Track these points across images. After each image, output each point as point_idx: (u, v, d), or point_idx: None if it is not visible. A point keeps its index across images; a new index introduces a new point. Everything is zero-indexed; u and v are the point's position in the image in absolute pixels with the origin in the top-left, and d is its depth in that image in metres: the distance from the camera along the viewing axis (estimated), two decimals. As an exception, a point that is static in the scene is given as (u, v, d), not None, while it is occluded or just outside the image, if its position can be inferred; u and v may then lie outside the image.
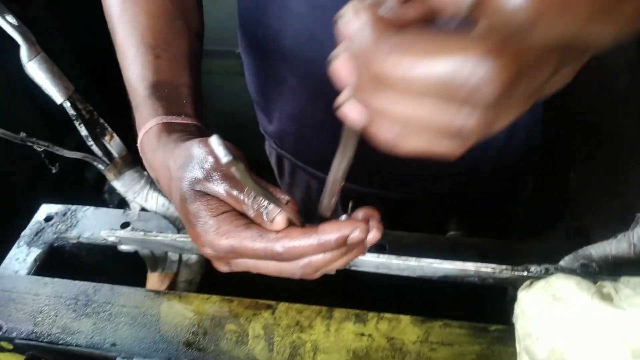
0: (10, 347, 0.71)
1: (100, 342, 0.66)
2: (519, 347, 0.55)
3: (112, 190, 2.15)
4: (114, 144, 0.75)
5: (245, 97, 2.26)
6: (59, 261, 0.89)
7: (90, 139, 0.72)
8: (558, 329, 0.52)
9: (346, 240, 0.48)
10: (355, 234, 0.47)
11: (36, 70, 0.66)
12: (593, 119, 2.29)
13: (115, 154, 0.75)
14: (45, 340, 0.68)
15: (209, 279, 0.79)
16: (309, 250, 0.48)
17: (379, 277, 0.73)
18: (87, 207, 0.96)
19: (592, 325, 0.50)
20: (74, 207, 0.96)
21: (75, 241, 0.90)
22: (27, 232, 0.93)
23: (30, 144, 0.68)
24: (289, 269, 0.51)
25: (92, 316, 0.69)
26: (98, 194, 2.00)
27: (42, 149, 0.69)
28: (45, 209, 0.96)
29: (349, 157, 0.45)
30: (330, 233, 0.48)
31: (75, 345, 0.66)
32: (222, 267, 0.55)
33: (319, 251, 0.49)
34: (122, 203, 0.91)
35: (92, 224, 0.91)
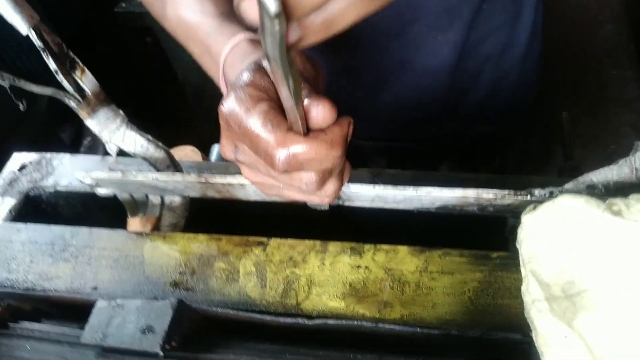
0: (-15, 297, 0.67)
1: (80, 287, 0.62)
2: (524, 270, 0.52)
3: (91, 146, 2.08)
4: (85, 80, 0.69)
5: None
6: (36, 211, 0.84)
7: (59, 74, 0.67)
8: (566, 248, 0.49)
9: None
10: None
11: (-4, -4, 0.60)
12: (578, 71, 2.27)
13: (87, 90, 0.70)
14: (21, 287, 0.63)
15: (194, 222, 0.75)
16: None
17: (374, 213, 0.70)
18: (63, 154, 0.91)
19: (603, 242, 0.47)
20: (49, 155, 0.91)
21: (52, 190, 0.85)
22: (-1, 183, 0.87)
23: (-7, 75, 0.62)
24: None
25: (70, 261, 0.65)
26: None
27: (6, 82, 0.64)
28: (18, 158, 0.91)
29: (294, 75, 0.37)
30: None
31: (54, 291, 0.63)
32: (228, 150, 0.47)
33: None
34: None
35: (69, 172, 0.86)
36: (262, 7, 0.27)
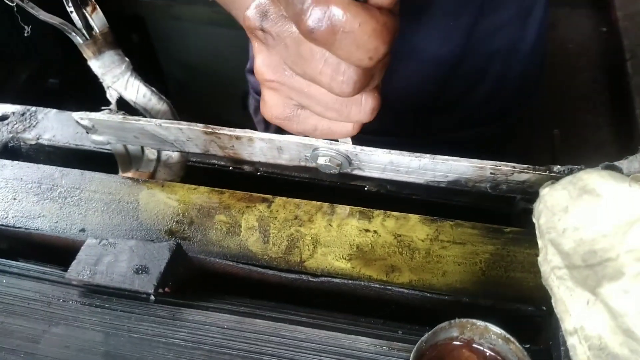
0: (-45, 235, 0.62)
1: (66, 228, 0.58)
2: (541, 242, 0.51)
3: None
4: (95, 17, 0.66)
5: (216, 50, 2.17)
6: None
7: (70, 4, 0.63)
8: (587, 219, 0.48)
9: None
10: None
11: None
12: (557, 110, 2.34)
13: (96, 28, 0.66)
14: (1, 223, 0.59)
15: (189, 182, 0.71)
16: None
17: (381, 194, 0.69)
18: (49, 109, 0.86)
19: (627, 211, 0.47)
20: (33, 108, 0.86)
21: (33, 142, 0.80)
22: (-23, 129, 0.82)
23: (0, -8, 0.58)
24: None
25: (57, 201, 0.60)
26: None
27: (14, 4, 0.60)
28: (1, 108, 0.86)
29: None
30: None
31: (36, 230, 0.58)
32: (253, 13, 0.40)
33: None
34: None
35: (54, 126, 0.82)
36: None
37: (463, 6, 0.76)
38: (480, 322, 0.43)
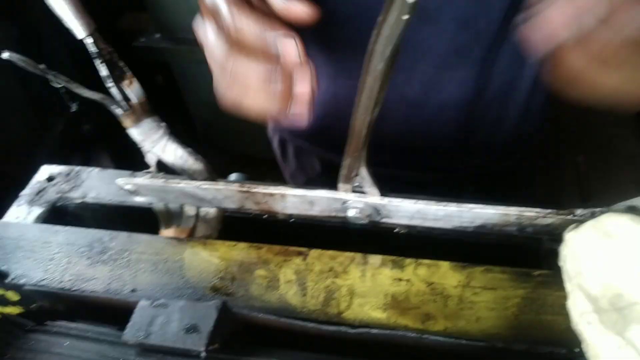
0: (16, 297, 0.66)
1: (118, 289, 0.62)
2: (569, 285, 0.53)
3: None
4: (133, 89, 0.71)
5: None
6: (62, 221, 0.84)
7: (110, 81, 0.69)
8: (612, 263, 0.50)
9: None
10: None
11: (60, 2, 0.63)
12: (585, 126, 2.34)
13: (134, 99, 0.72)
14: (57, 287, 0.63)
15: (227, 235, 0.75)
16: None
17: (408, 237, 0.71)
18: (91, 168, 0.92)
19: (651, 256, 0.48)
20: (77, 167, 0.92)
21: (79, 201, 0.85)
22: (27, 192, 0.88)
23: (50, 77, 0.64)
24: None
25: (108, 263, 0.65)
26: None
27: (62, 85, 0.65)
28: (47, 170, 0.92)
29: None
30: None
31: (91, 292, 0.62)
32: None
33: None
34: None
35: (98, 185, 0.87)
36: None
37: (458, 62, 0.77)
38: None
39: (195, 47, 2.14)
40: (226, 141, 2.41)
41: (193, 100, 2.32)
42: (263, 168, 2.41)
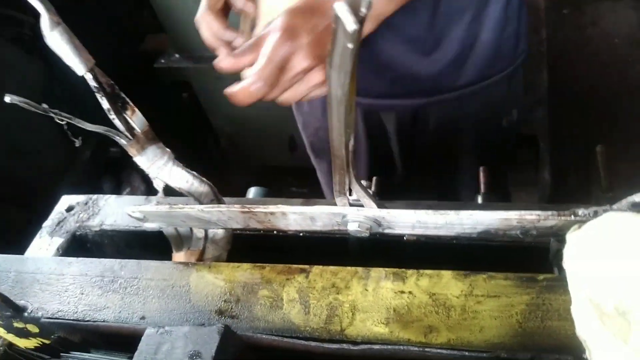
0: (37, 330, 0.69)
1: (128, 317, 0.64)
2: (573, 289, 0.51)
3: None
4: (135, 119, 0.73)
5: (258, 102, 2.26)
6: (82, 250, 0.87)
7: (112, 113, 0.71)
8: (616, 265, 0.48)
9: None
10: None
11: (58, 41, 0.65)
12: (610, 108, 2.26)
13: (137, 129, 0.73)
14: (72, 318, 0.65)
15: (236, 255, 0.76)
16: None
17: (411, 245, 0.71)
18: (108, 195, 0.94)
19: (655, 255, 0.46)
20: (95, 196, 0.95)
21: (97, 229, 0.88)
22: (48, 223, 0.91)
23: (52, 114, 0.66)
24: None
25: (119, 292, 0.67)
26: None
27: (64, 122, 0.68)
28: (66, 200, 0.95)
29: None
30: None
31: (103, 322, 0.64)
32: None
33: None
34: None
35: (115, 212, 0.90)
36: (339, 22, 0.29)
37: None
38: None
39: (212, 64, 2.17)
40: (250, 153, 2.44)
41: (216, 116, 2.36)
42: (288, 178, 2.44)
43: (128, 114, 0.73)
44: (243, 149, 2.43)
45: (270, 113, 2.21)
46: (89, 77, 0.69)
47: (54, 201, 0.96)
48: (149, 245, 0.85)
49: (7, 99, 0.65)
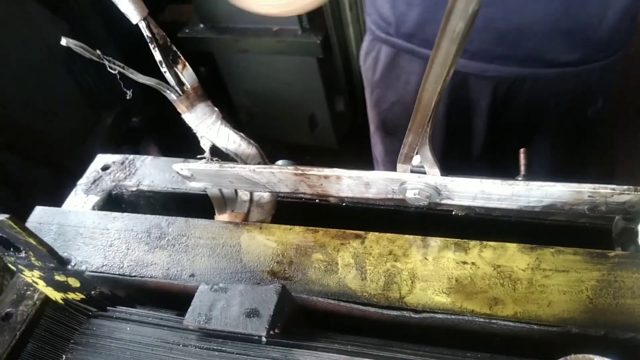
0: (77, 284, 0.68)
1: (177, 274, 0.62)
2: (652, 266, 0.49)
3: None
4: (186, 74, 0.71)
5: (281, 76, 2.25)
6: (118, 209, 0.85)
7: (163, 65, 0.68)
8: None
9: None
10: None
11: (113, -12, 0.63)
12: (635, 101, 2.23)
13: (187, 84, 0.71)
14: (118, 273, 0.64)
15: (280, 219, 0.74)
16: None
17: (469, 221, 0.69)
18: (145, 156, 0.93)
19: None
20: (131, 156, 0.93)
21: (134, 189, 0.86)
22: (83, 181, 0.89)
23: (106, 62, 0.64)
24: None
25: (166, 248, 0.65)
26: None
27: (116, 71, 0.66)
28: (102, 159, 0.93)
29: None
30: None
31: (150, 277, 0.62)
32: None
33: None
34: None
35: (151, 172, 0.88)
36: None
37: None
38: (597, 358, 0.42)
39: (237, 36, 2.14)
40: (269, 129, 2.42)
41: (236, 90, 2.34)
42: (307, 156, 2.41)
43: (179, 68, 0.71)
44: (262, 125, 2.41)
45: (292, 89, 2.18)
46: (142, 25, 0.66)
47: (78, 163, 0.95)
48: (187, 208, 0.83)
49: (64, 41, 0.63)
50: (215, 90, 2.34)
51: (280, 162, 1.17)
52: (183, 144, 0.80)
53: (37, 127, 1.53)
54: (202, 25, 2.11)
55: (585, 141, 1.09)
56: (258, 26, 1.98)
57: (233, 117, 2.45)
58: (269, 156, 0.79)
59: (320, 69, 2.04)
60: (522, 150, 0.97)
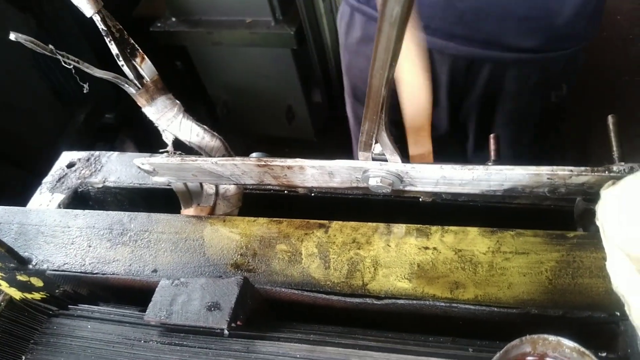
0: (41, 283, 0.66)
1: (139, 270, 0.61)
2: (608, 246, 0.50)
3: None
4: (145, 67, 0.70)
5: (256, 69, 2.23)
6: (84, 207, 0.83)
7: (120, 59, 0.67)
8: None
9: None
10: None
11: (64, -20, 0.62)
12: (610, 86, 2.25)
13: (147, 77, 0.70)
14: (79, 270, 0.63)
15: (247, 212, 0.74)
16: None
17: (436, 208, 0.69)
18: (111, 152, 0.91)
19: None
20: (97, 152, 0.91)
21: (100, 186, 0.85)
22: (48, 179, 0.88)
23: (59, 56, 0.63)
24: None
25: (128, 244, 0.64)
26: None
27: (71, 66, 0.64)
28: (67, 156, 0.92)
29: None
30: None
31: (112, 274, 0.62)
32: None
33: None
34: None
35: (118, 168, 0.86)
36: None
37: None
38: (552, 337, 0.43)
39: (210, 29, 2.11)
40: (247, 122, 2.40)
41: (211, 83, 2.31)
42: (285, 148, 2.40)
43: (137, 61, 0.69)
44: (239, 118, 2.39)
45: (268, 81, 2.16)
46: (97, 19, 0.65)
47: (49, 162, 0.93)
48: (155, 203, 0.82)
49: (12, 36, 0.61)
50: (191, 84, 2.31)
51: (254, 154, 1.16)
52: (160, 139, 0.79)
53: (6, 126, 1.50)
54: (174, 19, 2.08)
55: (553, 126, 1.10)
56: (231, 18, 1.95)
57: (210, 111, 2.42)
58: (247, 149, 0.78)
59: (295, 60, 2.03)
60: (492, 135, 0.98)
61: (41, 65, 1.70)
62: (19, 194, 0.93)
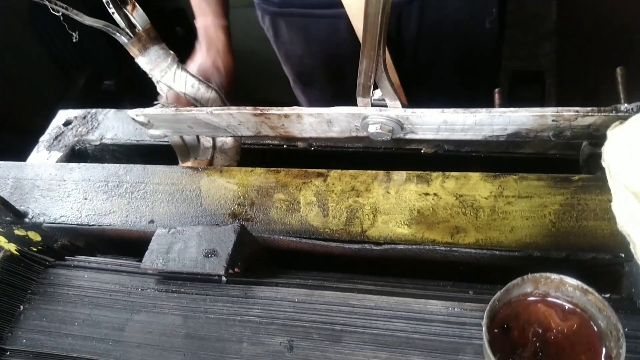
0: (38, 238, 0.66)
1: (136, 221, 0.60)
2: (614, 186, 0.48)
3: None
4: (136, 15, 0.67)
5: (257, 32, 2.19)
6: (82, 164, 0.83)
7: (111, 6, 0.65)
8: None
9: None
10: None
11: None
12: (619, 44, 2.20)
13: (138, 25, 0.68)
14: (76, 223, 0.62)
15: (246, 165, 0.72)
16: None
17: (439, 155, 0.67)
18: (107, 109, 0.90)
19: None
20: (93, 110, 0.90)
21: (97, 143, 0.84)
22: (45, 137, 0.87)
23: (47, 2, 0.61)
24: None
25: (125, 196, 0.63)
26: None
27: (60, 13, 0.62)
28: (64, 114, 0.90)
29: None
30: None
31: (109, 225, 0.61)
32: None
33: None
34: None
35: (115, 125, 0.85)
36: None
37: None
38: (554, 275, 0.42)
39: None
40: (248, 87, 2.37)
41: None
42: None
43: (128, 9, 0.67)
44: (239, 82, 2.36)
45: (269, 44, 2.13)
46: (85, -37, 0.62)
47: (47, 125, 0.92)
48: (152, 160, 0.81)
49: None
50: (191, 51, 2.28)
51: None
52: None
53: (3, 92, 1.48)
54: (172, -20, 2.04)
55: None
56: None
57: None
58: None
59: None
60: (496, 90, 0.96)
61: (38, 29, 1.68)
62: (16, 156, 0.92)
